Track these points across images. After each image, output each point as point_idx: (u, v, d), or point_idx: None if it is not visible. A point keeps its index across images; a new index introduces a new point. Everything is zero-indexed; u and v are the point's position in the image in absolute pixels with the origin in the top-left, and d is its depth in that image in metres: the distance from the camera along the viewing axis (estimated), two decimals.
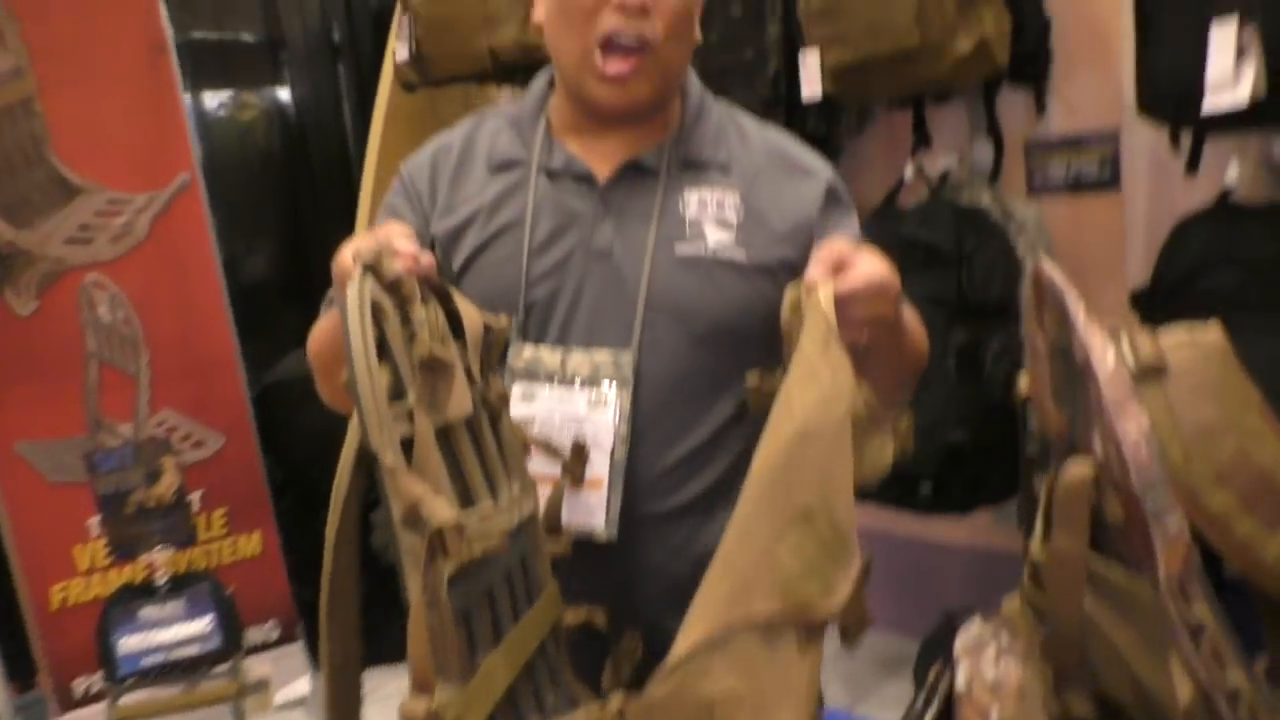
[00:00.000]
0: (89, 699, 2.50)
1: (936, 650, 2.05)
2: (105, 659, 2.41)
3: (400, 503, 0.70)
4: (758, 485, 0.77)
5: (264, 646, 2.67)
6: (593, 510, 1.09)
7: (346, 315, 0.73)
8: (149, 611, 2.43)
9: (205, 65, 3.39)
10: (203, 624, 2.45)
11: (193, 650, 2.46)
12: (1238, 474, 0.68)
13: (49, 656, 2.49)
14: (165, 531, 2.42)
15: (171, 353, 2.57)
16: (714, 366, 1.12)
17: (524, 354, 1.12)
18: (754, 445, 1.10)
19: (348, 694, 0.88)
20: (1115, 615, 0.68)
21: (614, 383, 1.09)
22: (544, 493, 1.05)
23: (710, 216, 1.13)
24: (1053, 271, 0.70)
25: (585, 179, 1.16)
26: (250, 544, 2.68)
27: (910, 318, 1.13)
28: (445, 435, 0.81)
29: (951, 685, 0.77)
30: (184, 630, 2.43)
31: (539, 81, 1.24)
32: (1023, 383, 0.84)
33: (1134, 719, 0.69)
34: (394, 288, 0.79)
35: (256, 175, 3.61)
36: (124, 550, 2.43)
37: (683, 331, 1.10)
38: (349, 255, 0.91)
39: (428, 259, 0.89)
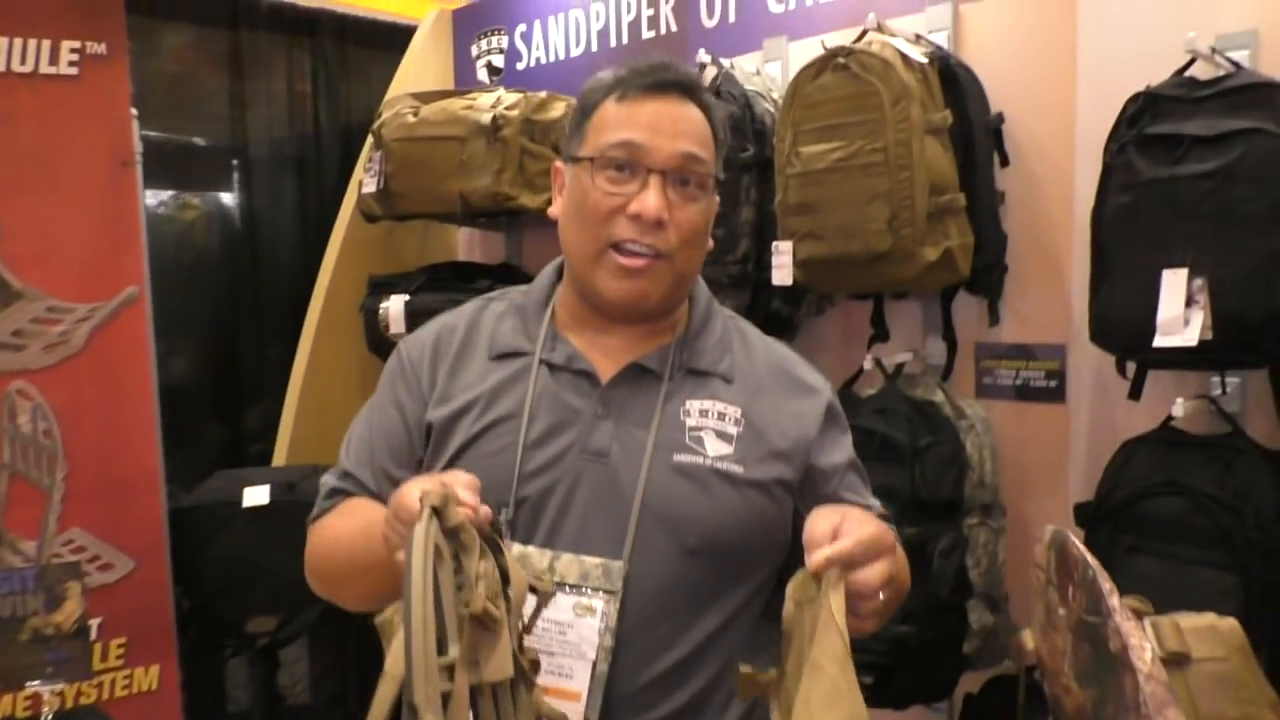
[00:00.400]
0: None
1: None
2: None
3: None
4: None
5: None
6: None
7: (410, 557, 0.73)
8: None
9: (157, 164, 3.36)
10: None
11: None
12: None
13: None
14: (59, 663, 2.25)
15: (90, 469, 2.45)
16: (701, 579, 1.11)
17: (511, 552, 1.10)
18: (734, 660, 1.10)
19: None
20: None
21: (602, 592, 1.07)
22: None
23: (710, 427, 1.14)
24: (1085, 552, 0.72)
25: (587, 376, 1.16)
26: (148, 678, 2.52)
27: (901, 560, 1.14)
28: (475, 693, 0.79)
29: None
30: None
31: (547, 271, 1.26)
32: (1027, 639, 0.86)
33: None
34: (453, 534, 0.78)
35: (191, 277, 3.53)
36: (9, 680, 2.25)
37: (674, 542, 1.10)
38: (415, 494, 0.89)
39: (486, 512, 0.88)
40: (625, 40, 2.78)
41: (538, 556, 1.08)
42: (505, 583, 0.86)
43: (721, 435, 1.14)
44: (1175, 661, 0.68)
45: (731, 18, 2.53)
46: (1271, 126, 1.56)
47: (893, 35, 1.99)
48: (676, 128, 1.12)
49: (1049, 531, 0.78)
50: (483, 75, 3.15)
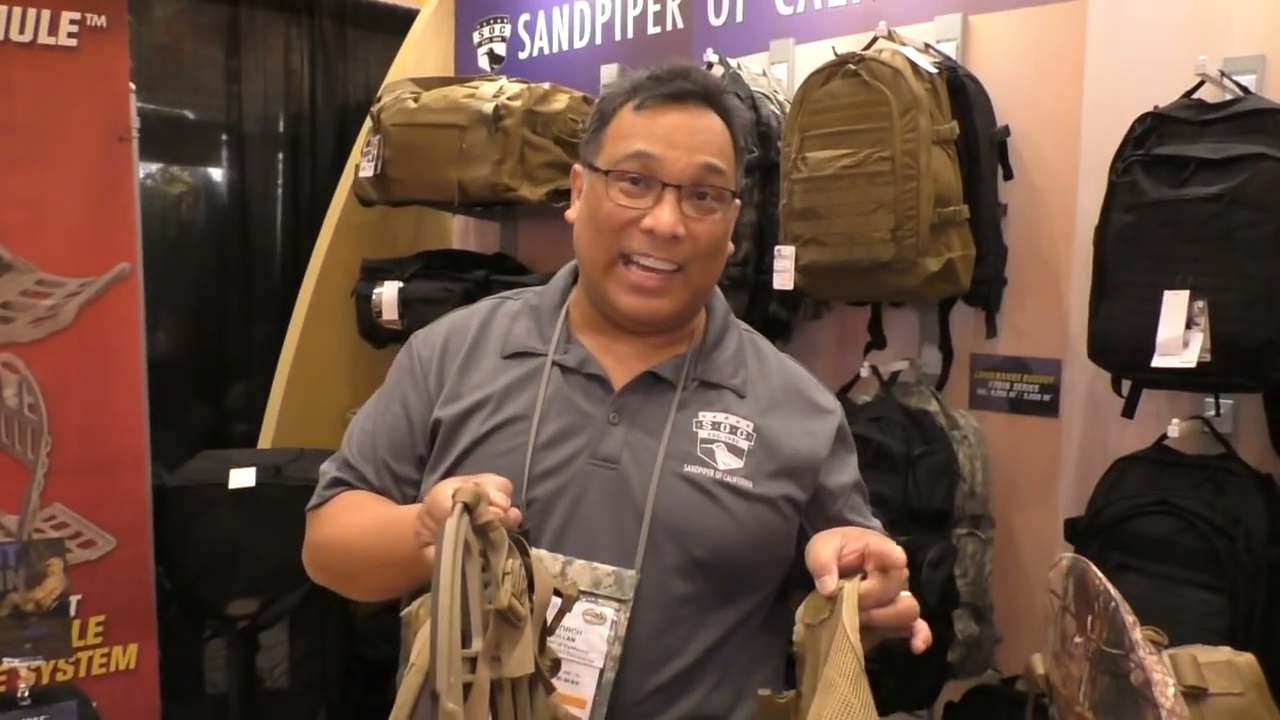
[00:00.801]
0: None
1: None
2: None
3: None
4: None
5: None
6: None
7: (440, 550, 0.74)
8: None
9: (150, 139, 3.32)
10: None
11: None
12: None
13: None
14: (39, 640, 2.22)
15: (75, 445, 2.42)
16: (707, 590, 1.12)
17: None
18: (735, 670, 1.11)
19: None
20: None
21: (614, 600, 1.06)
22: None
23: (722, 440, 1.14)
24: (1107, 583, 0.73)
25: (599, 381, 1.16)
26: (125, 657, 2.49)
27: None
28: (495, 688, 0.79)
29: None
30: None
31: (563, 273, 1.25)
32: (1038, 664, 0.86)
33: None
34: (483, 532, 0.78)
35: (180, 253, 3.50)
36: None
37: (681, 553, 1.10)
38: (449, 492, 0.89)
39: (515, 514, 0.88)
40: (630, 35, 2.77)
41: (550, 561, 1.08)
42: (530, 583, 0.86)
43: (732, 449, 1.14)
44: (1192, 695, 0.69)
45: (739, 17, 2.53)
46: (1277, 152, 1.57)
47: (903, 44, 1.99)
48: (694, 139, 1.11)
49: (1067, 559, 0.78)
50: (484, 63, 3.13)
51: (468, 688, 0.74)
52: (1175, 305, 1.64)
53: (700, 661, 1.11)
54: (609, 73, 2.74)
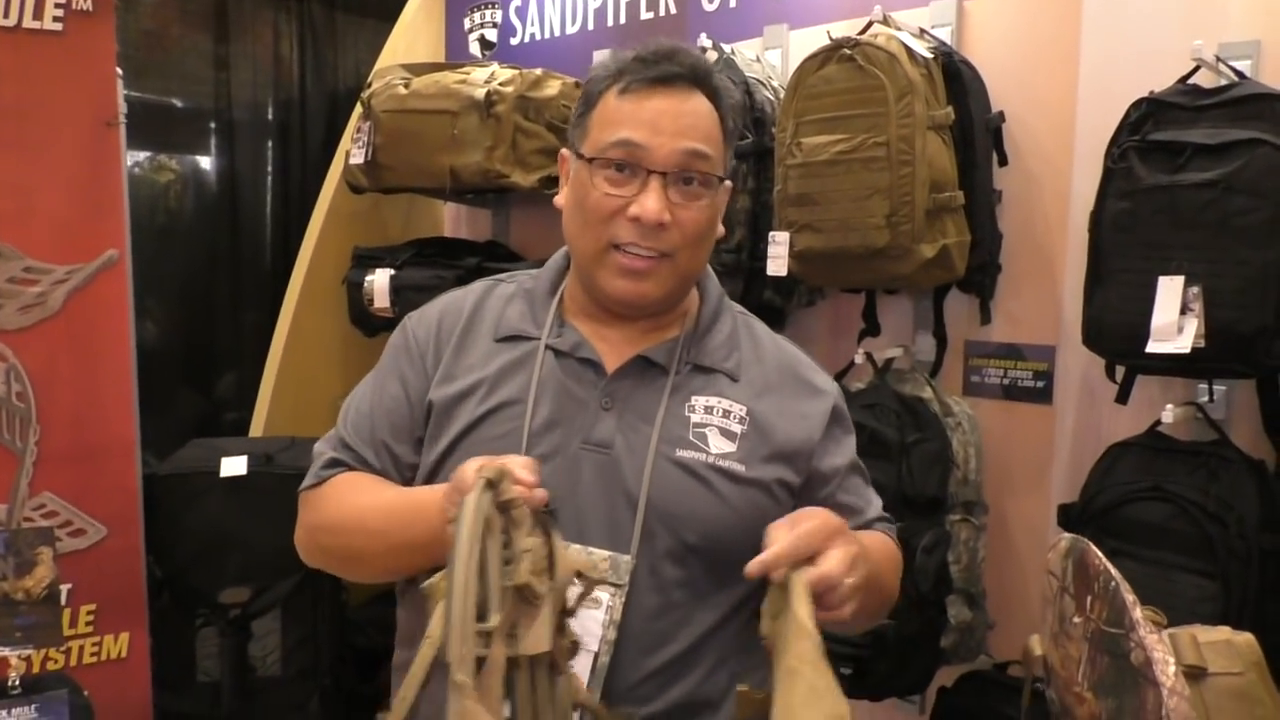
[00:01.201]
0: None
1: None
2: None
3: None
4: None
5: None
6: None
7: (460, 523, 0.75)
8: None
9: (137, 125, 3.30)
10: None
11: None
12: None
13: None
14: (29, 629, 2.21)
15: (64, 433, 2.40)
16: (700, 575, 1.11)
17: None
18: (730, 655, 1.11)
19: None
20: None
21: (609, 585, 1.06)
22: None
23: (715, 424, 1.14)
24: (1107, 563, 0.72)
25: (592, 365, 1.16)
26: (116, 646, 2.48)
27: (882, 555, 1.15)
28: (512, 666, 0.79)
29: None
30: None
31: (557, 257, 1.24)
32: (1035, 645, 0.86)
33: None
34: (505, 509, 0.79)
35: (169, 241, 3.48)
36: None
37: (674, 538, 1.09)
38: (473, 469, 0.90)
39: (541, 494, 0.88)
40: (623, 20, 2.75)
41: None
42: (551, 564, 0.86)
43: (725, 433, 1.13)
44: (1191, 675, 0.69)
45: (732, 3, 2.51)
46: (1273, 138, 1.57)
47: (898, 29, 1.98)
48: (679, 124, 1.09)
49: (1066, 539, 0.78)
50: (475, 49, 3.10)
51: (481, 662, 0.74)
52: (1170, 291, 1.63)
53: (695, 646, 1.11)
54: (601, 58, 2.72)
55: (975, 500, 2.05)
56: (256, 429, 3.05)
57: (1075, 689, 0.77)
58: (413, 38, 3.18)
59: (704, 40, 2.26)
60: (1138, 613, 0.69)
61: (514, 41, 3.05)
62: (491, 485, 0.81)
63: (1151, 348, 1.64)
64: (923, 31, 2.05)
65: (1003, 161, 2.05)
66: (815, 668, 0.80)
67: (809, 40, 2.23)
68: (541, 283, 1.22)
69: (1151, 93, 1.73)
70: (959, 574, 1.99)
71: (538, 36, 2.99)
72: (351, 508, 1.15)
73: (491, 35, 3.08)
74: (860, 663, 1.95)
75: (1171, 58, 1.77)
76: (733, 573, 1.14)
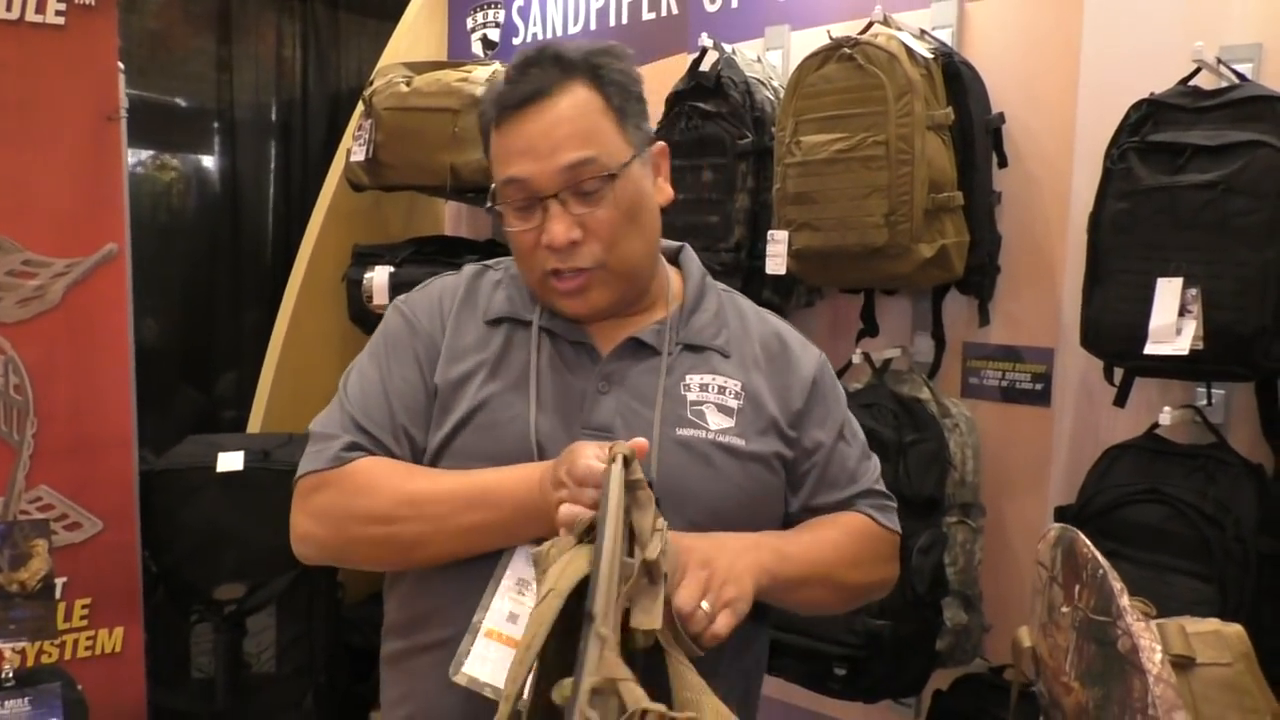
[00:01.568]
0: None
1: None
2: None
3: (598, 675, 0.67)
4: None
5: None
6: None
7: (607, 490, 0.79)
8: None
9: (141, 124, 3.31)
10: None
11: None
12: None
13: None
14: (22, 622, 2.20)
15: (61, 427, 2.40)
16: None
17: None
18: (734, 634, 1.10)
19: None
20: None
21: None
22: None
23: (711, 401, 1.14)
24: (1095, 551, 0.72)
25: (585, 348, 1.16)
26: (111, 640, 2.48)
27: (840, 542, 1.15)
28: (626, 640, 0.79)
29: None
30: None
31: None
32: (1024, 637, 0.86)
33: None
34: (631, 489, 0.82)
35: (170, 239, 3.48)
36: None
37: (681, 517, 1.08)
38: (590, 455, 0.95)
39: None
40: (625, 20, 2.75)
41: None
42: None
43: (722, 409, 1.14)
44: (1179, 665, 0.68)
45: (734, 3, 2.51)
46: (1274, 139, 1.57)
47: (899, 29, 1.98)
48: (552, 140, 1.08)
49: (1055, 529, 0.78)
50: (477, 49, 3.11)
51: None
52: (1169, 292, 1.63)
53: None
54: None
55: (972, 502, 2.04)
56: (254, 426, 3.05)
57: (1063, 679, 0.77)
58: (415, 38, 3.19)
59: (705, 40, 2.26)
60: (1125, 600, 0.68)
61: (516, 41, 3.05)
62: (626, 462, 0.84)
63: (1150, 349, 1.64)
64: (923, 33, 2.05)
65: (1002, 163, 2.05)
66: (709, 694, 0.81)
67: (810, 41, 2.23)
68: None
69: (1152, 94, 1.73)
70: (955, 576, 1.98)
71: (540, 36, 2.99)
72: (408, 494, 1.09)
73: (494, 35, 3.08)
74: (855, 664, 1.94)
75: (1172, 60, 1.76)
76: None
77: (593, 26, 2.83)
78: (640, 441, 0.94)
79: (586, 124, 1.10)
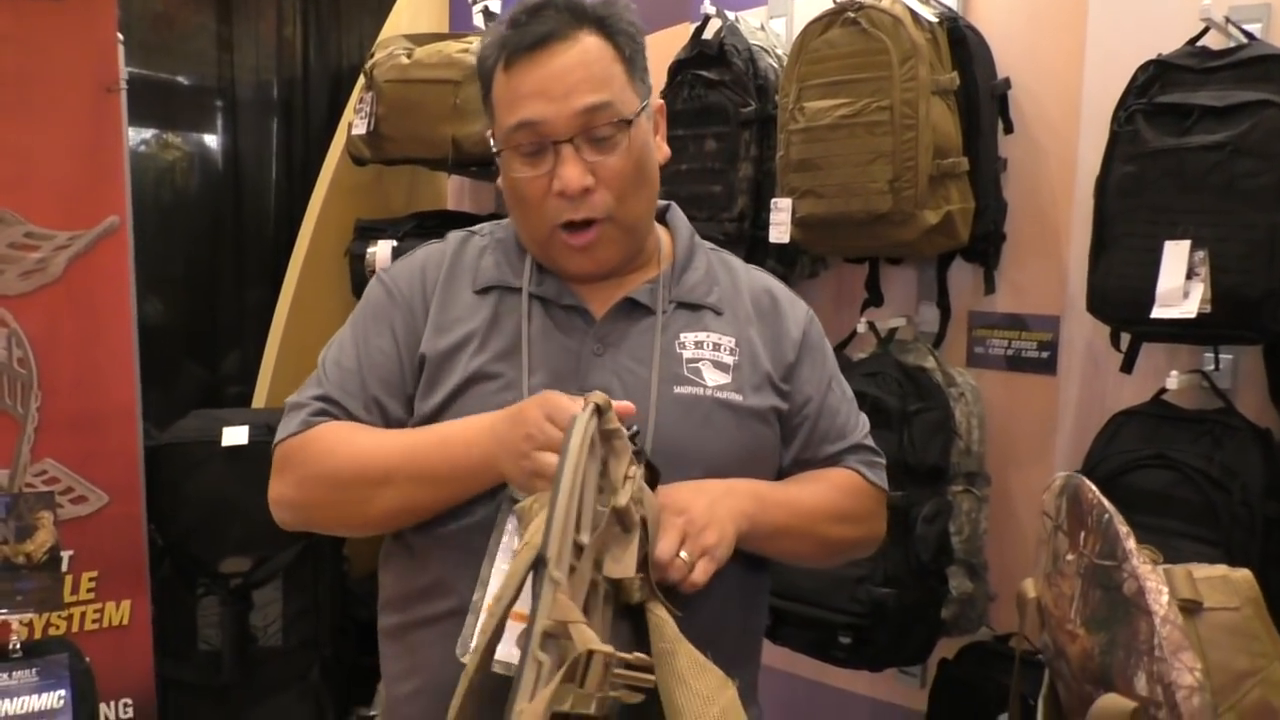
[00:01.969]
0: None
1: None
2: None
3: (550, 618, 0.68)
4: None
5: None
6: None
7: (570, 437, 0.78)
8: None
9: (142, 102, 3.29)
10: (54, 698, 2.23)
11: None
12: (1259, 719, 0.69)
13: None
14: (29, 593, 2.21)
15: (66, 400, 2.40)
16: None
17: None
18: (735, 591, 1.11)
19: None
20: None
21: None
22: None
23: (707, 358, 1.14)
24: (1100, 496, 0.71)
25: (578, 311, 1.15)
26: (119, 613, 2.48)
27: (826, 496, 1.15)
28: (591, 590, 0.79)
29: None
30: (32, 703, 2.21)
31: None
32: (1029, 588, 0.85)
33: None
34: (607, 438, 0.82)
35: (173, 217, 3.48)
36: None
37: (681, 474, 1.08)
38: (563, 400, 0.94)
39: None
40: None
41: None
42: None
43: (718, 365, 1.14)
44: (1186, 609, 0.68)
45: None
46: None
47: None
48: (568, 83, 1.06)
49: (1060, 477, 0.77)
50: (479, 21, 3.08)
51: (572, 571, 0.75)
52: (1176, 256, 1.62)
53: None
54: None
55: (977, 471, 2.04)
56: (259, 401, 3.05)
57: (1068, 626, 0.76)
58: (415, 9, 3.17)
59: (708, 7, 2.24)
60: (1131, 544, 0.68)
61: None
62: (600, 411, 0.83)
63: (1157, 313, 1.63)
64: None
65: (1008, 129, 2.03)
66: (685, 644, 0.81)
67: (813, 8, 2.20)
68: (513, 231, 1.21)
69: (1159, 55, 1.71)
70: (960, 545, 1.98)
71: None
72: (366, 446, 1.10)
73: (495, 7, 3.05)
74: (860, 631, 1.94)
75: (1179, 23, 1.75)
76: None
77: None
78: (627, 405, 0.93)
79: (600, 69, 1.08)
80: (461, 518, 1.09)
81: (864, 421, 1.26)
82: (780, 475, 1.20)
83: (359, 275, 2.82)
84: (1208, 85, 1.63)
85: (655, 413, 1.09)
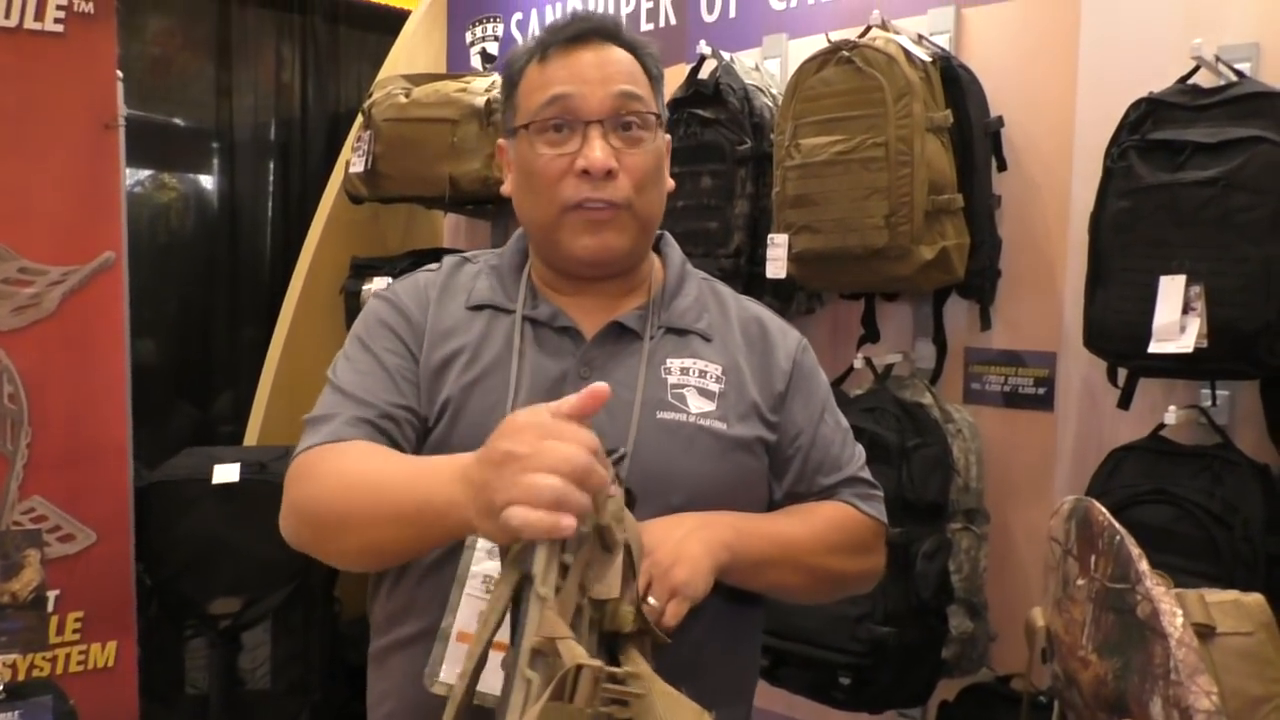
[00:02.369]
0: None
1: None
2: None
3: (538, 634, 0.67)
4: None
5: None
6: None
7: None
8: None
9: (140, 144, 3.31)
10: None
11: None
12: None
13: None
14: (14, 633, 2.17)
15: (56, 436, 2.38)
16: None
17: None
18: (719, 624, 1.08)
19: None
20: None
21: None
22: None
23: (692, 385, 1.13)
24: (1111, 518, 0.70)
25: (570, 333, 1.15)
26: (104, 654, 2.44)
27: (815, 530, 1.13)
28: (578, 612, 0.77)
29: None
30: None
31: (517, 235, 1.23)
32: (1037, 617, 0.84)
33: None
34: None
35: (168, 257, 3.48)
36: None
37: (660, 500, 1.06)
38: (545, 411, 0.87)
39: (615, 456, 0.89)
40: None
41: None
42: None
43: (704, 392, 1.12)
44: (1200, 634, 0.66)
45: (732, 13, 2.52)
46: (1274, 135, 1.56)
47: (897, 33, 1.99)
48: (605, 71, 1.08)
49: (1069, 500, 0.76)
50: (476, 62, 3.11)
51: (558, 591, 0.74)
52: (1172, 290, 1.62)
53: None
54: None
55: (976, 508, 2.02)
56: (251, 438, 3.03)
57: (1079, 653, 0.75)
58: (413, 51, 3.20)
59: (704, 46, 2.27)
60: (1144, 565, 0.67)
61: None
62: None
63: (1154, 348, 1.63)
64: (921, 38, 2.05)
65: (1001, 167, 2.04)
66: (658, 681, 0.79)
67: (808, 50, 2.22)
68: (506, 259, 1.21)
69: (1151, 93, 1.73)
70: (960, 584, 1.96)
71: None
72: (369, 466, 1.04)
73: (493, 49, 3.09)
74: (861, 672, 1.92)
75: (1170, 62, 1.77)
76: None
77: None
78: (601, 386, 0.87)
79: (635, 72, 1.11)
80: None
81: (860, 453, 1.25)
82: (773, 508, 1.18)
83: (354, 312, 2.82)
84: (1199, 122, 1.64)
85: (637, 437, 1.08)
